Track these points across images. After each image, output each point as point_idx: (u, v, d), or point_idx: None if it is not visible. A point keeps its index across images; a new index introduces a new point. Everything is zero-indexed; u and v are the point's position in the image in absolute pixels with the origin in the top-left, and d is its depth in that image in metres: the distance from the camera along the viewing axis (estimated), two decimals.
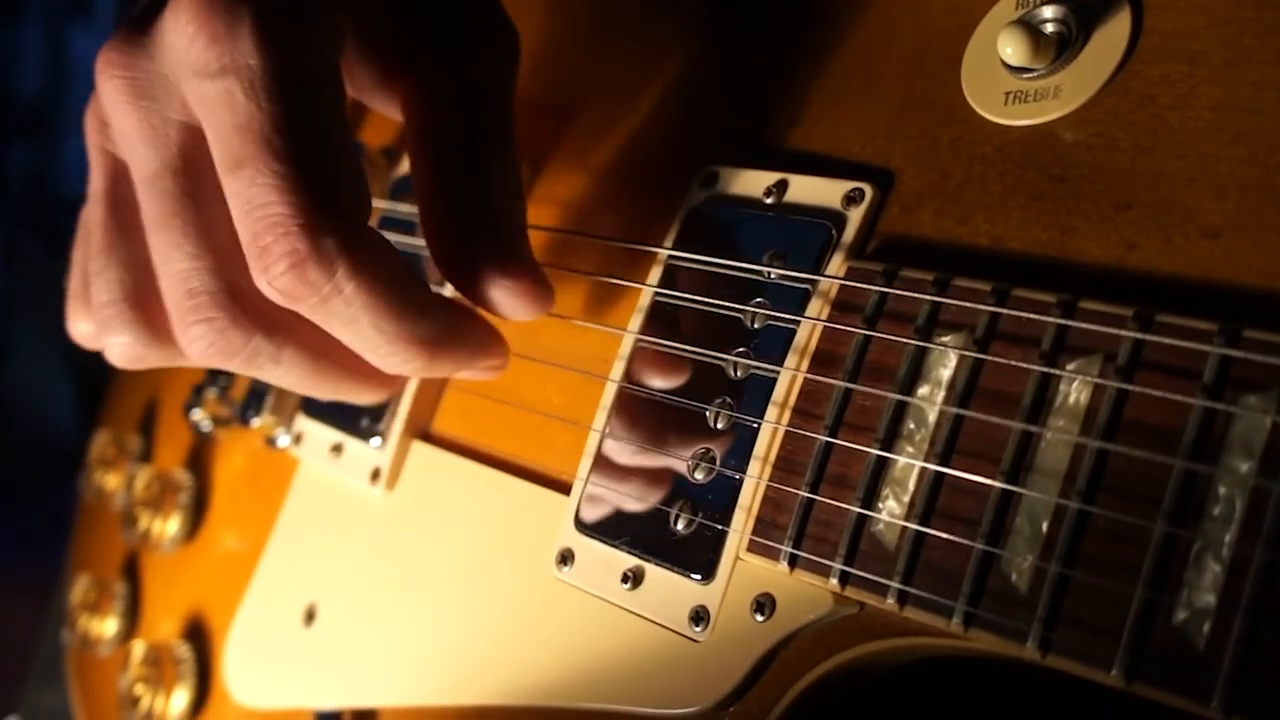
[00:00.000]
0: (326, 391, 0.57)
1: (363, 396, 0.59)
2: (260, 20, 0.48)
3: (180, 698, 0.79)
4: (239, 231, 0.49)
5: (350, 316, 0.50)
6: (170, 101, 0.51)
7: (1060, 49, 0.49)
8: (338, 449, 0.72)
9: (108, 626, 0.88)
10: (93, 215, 0.57)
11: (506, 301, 0.54)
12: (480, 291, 0.54)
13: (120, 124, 0.53)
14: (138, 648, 0.80)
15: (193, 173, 0.52)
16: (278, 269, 0.48)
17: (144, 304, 0.55)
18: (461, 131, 0.55)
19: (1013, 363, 0.43)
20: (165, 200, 0.52)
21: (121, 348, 0.56)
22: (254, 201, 0.48)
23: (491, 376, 0.58)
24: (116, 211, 0.56)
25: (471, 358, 0.55)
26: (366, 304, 0.50)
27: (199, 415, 0.83)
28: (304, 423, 0.75)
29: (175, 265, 0.52)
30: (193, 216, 0.52)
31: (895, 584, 0.44)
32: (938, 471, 0.44)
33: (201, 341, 0.52)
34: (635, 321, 0.57)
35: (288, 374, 0.55)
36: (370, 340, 0.52)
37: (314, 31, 0.50)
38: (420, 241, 0.58)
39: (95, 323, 0.56)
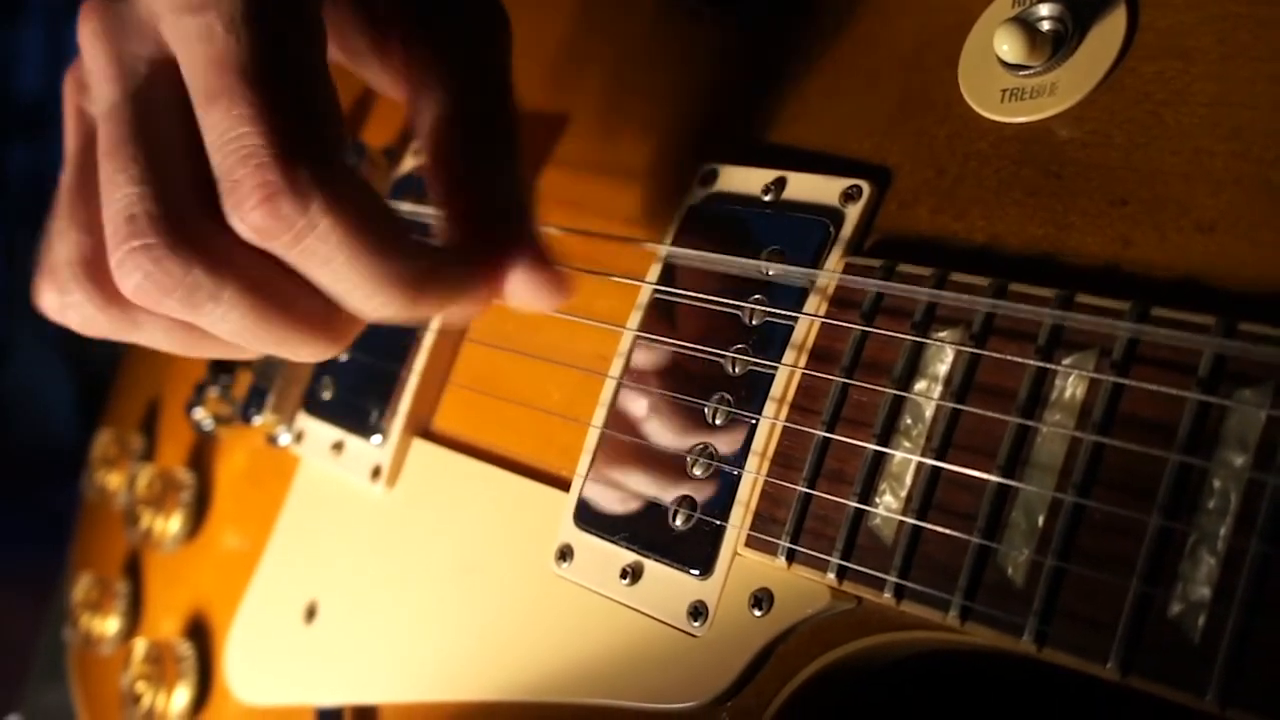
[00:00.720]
0: (268, 341, 0.52)
1: (304, 350, 0.54)
2: None
3: (181, 695, 0.79)
4: (214, 167, 0.48)
5: (326, 255, 0.48)
6: (144, 39, 0.51)
7: (1056, 46, 0.49)
8: (338, 447, 0.72)
9: (109, 625, 0.88)
10: (64, 178, 0.56)
11: (525, 289, 0.53)
12: (500, 277, 0.53)
13: (92, 64, 0.52)
14: (139, 646, 0.81)
15: (153, 107, 0.51)
16: (250, 202, 0.46)
17: (100, 265, 0.52)
18: (469, 117, 0.55)
19: (1009, 357, 0.44)
20: (118, 127, 0.50)
21: (75, 309, 0.53)
22: (228, 134, 0.47)
23: (471, 317, 0.55)
24: (82, 173, 0.54)
25: (453, 296, 0.52)
26: (342, 240, 0.48)
27: (200, 414, 0.84)
28: (305, 421, 0.76)
29: (119, 191, 0.49)
30: (144, 145, 0.50)
31: (892, 578, 0.44)
32: (934, 466, 0.44)
33: (137, 273, 0.49)
34: (634, 319, 0.58)
35: (228, 316, 0.50)
36: (347, 281, 0.49)
37: None
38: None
39: (55, 284, 0.54)
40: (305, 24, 0.50)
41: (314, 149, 0.47)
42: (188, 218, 0.49)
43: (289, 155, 0.46)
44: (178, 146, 0.50)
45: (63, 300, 0.54)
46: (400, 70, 0.58)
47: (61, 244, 0.54)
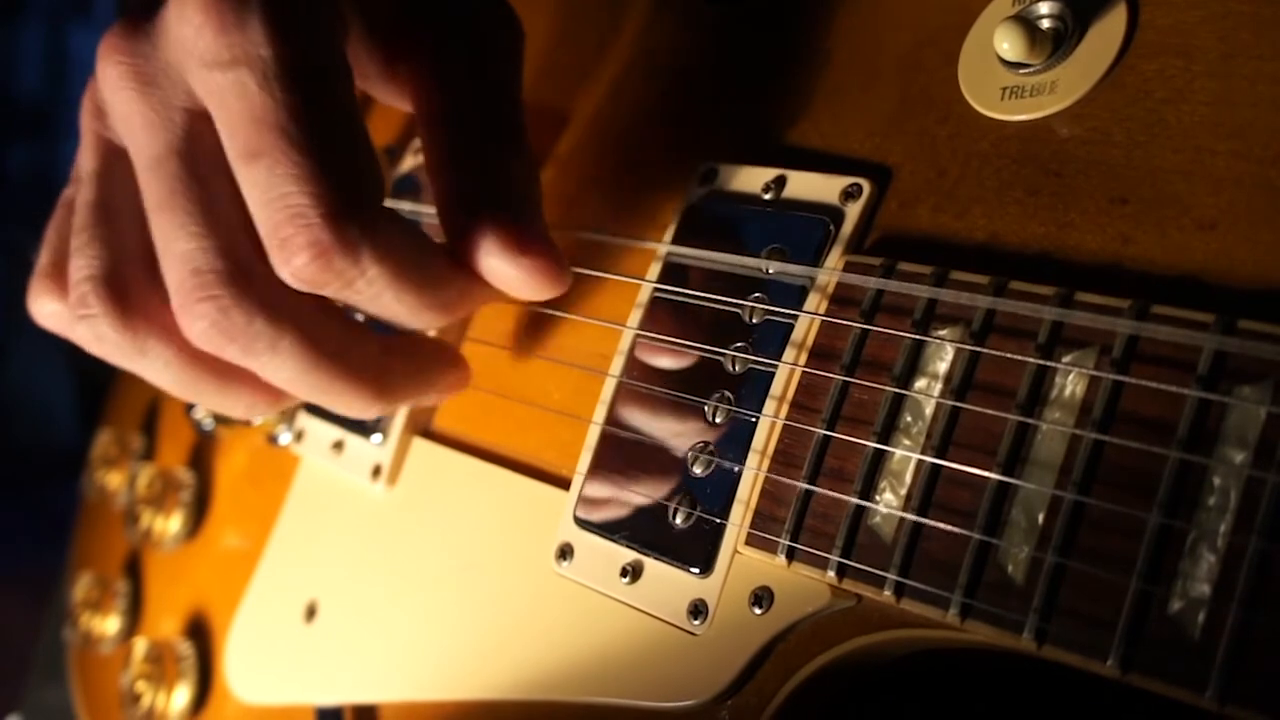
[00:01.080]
0: (321, 390, 0.55)
1: (357, 403, 0.56)
2: (269, 10, 0.48)
3: (181, 695, 0.79)
4: (258, 222, 0.49)
5: (373, 295, 0.51)
6: (174, 89, 0.51)
7: (1056, 44, 0.49)
8: (339, 446, 0.72)
9: (109, 624, 0.88)
10: (79, 195, 0.56)
11: (525, 279, 0.54)
12: (501, 271, 0.54)
13: (122, 109, 0.53)
14: (139, 645, 0.81)
15: (196, 157, 0.52)
16: (300, 260, 0.48)
17: (119, 285, 0.55)
18: (475, 115, 0.55)
19: (1009, 355, 0.44)
20: (170, 182, 0.52)
21: (89, 323, 0.55)
22: (273, 192, 0.48)
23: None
24: (106, 193, 0.55)
25: (476, 305, 0.58)
26: (390, 283, 0.51)
27: (201, 413, 0.84)
28: (305, 420, 0.76)
29: (181, 245, 0.51)
30: (197, 198, 0.51)
31: (892, 575, 0.44)
32: (934, 464, 0.44)
33: (204, 321, 0.51)
34: (634, 317, 0.58)
35: (284, 365, 0.54)
36: (392, 310, 0.53)
37: (321, 20, 0.50)
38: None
39: (69, 298, 0.56)
40: (336, 73, 0.51)
41: (360, 202, 0.49)
42: (249, 270, 0.51)
43: (337, 213, 0.48)
44: (227, 198, 0.51)
45: (77, 312, 0.55)
46: (408, 86, 0.58)
47: (82, 259, 0.55)
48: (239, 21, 0.48)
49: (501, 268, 0.53)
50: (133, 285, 0.55)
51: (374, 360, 0.56)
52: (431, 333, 0.62)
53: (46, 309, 0.58)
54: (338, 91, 0.50)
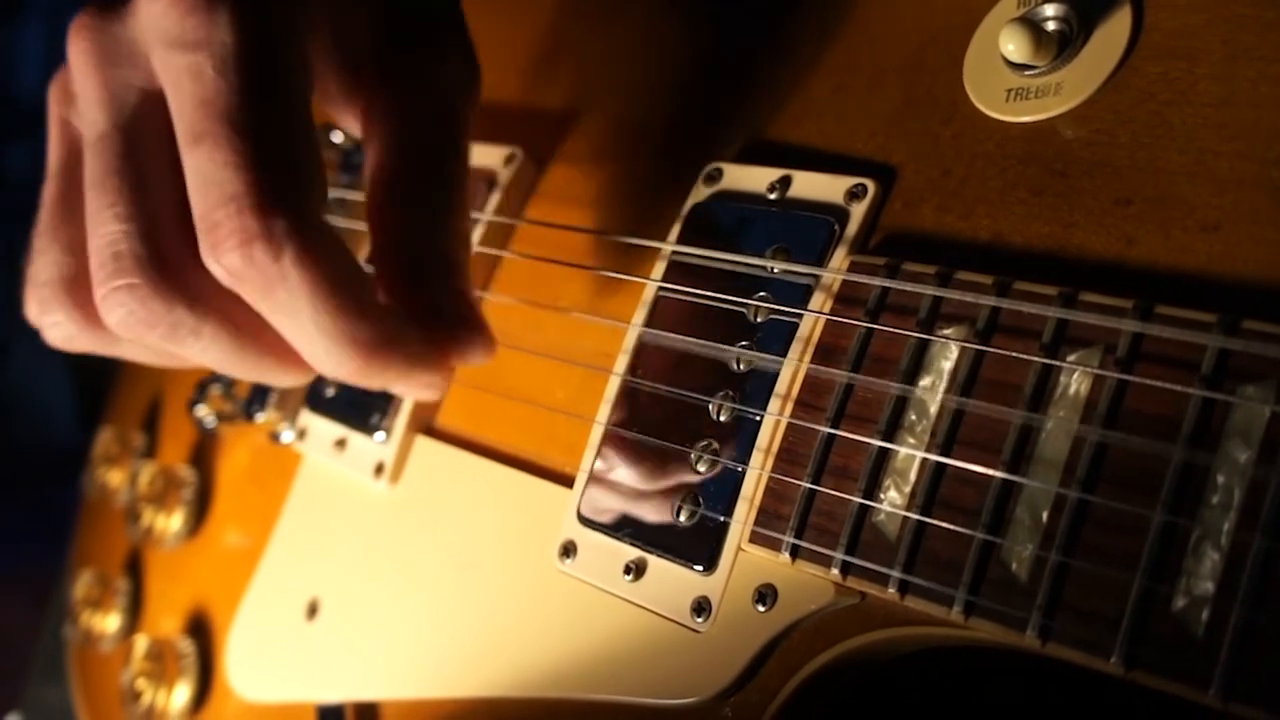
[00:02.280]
0: (247, 370, 0.55)
1: (285, 378, 0.56)
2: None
3: (182, 693, 0.79)
4: (192, 205, 0.49)
5: (292, 307, 0.49)
6: (134, 68, 0.51)
7: (1061, 46, 0.49)
8: (341, 444, 0.72)
9: (110, 622, 0.88)
10: (47, 191, 0.56)
11: (453, 343, 0.55)
12: (422, 327, 0.54)
13: (81, 86, 0.52)
14: (140, 642, 0.81)
15: (141, 139, 0.51)
16: (226, 245, 0.47)
17: (79, 285, 0.54)
18: (417, 169, 0.55)
19: (1013, 353, 0.44)
20: (107, 158, 0.51)
21: (55, 328, 0.55)
22: (210, 177, 0.47)
23: (429, 397, 0.57)
24: (66, 189, 0.55)
25: (408, 371, 0.53)
26: (309, 295, 0.49)
27: (203, 411, 0.84)
28: (308, 418, 0.76)
29: (105, 226, 0.51)
30: (130, 179, 0.51)
31: (896, 573, 0.44)
32: (939, 462, 0.45)
33: (121, 309, 0.50)
34: (639, 315, 0.58)
35: (208, 349, 0.53)
36: (308, 334, 0.50)
37: (289, 18, 0.50)
38: None
39: (35, 302, 0.55)
40: (294, 71, 0.50)
41: (293, 200, 0.48)
42: (171, 257, 0.50)
43: (268, 204, 0.47)
44: (164, 180, 0.51)
45: (43, 318, 0.55)
46: (365, 118, 0.58)
47: (42, 262, 0.55)
48: (208, 6, 0.48)
49: (432, 328, 0.54)
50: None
51: None
52: (353, 381, 0.56)
53: (31, 314, 0.58)
54: (292, 90, 0.50)
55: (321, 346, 0.51)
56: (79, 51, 0.52)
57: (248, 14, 0.48)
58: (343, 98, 0.58)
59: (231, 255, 0.47)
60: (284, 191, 0.48)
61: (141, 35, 0.50)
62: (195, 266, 0.50)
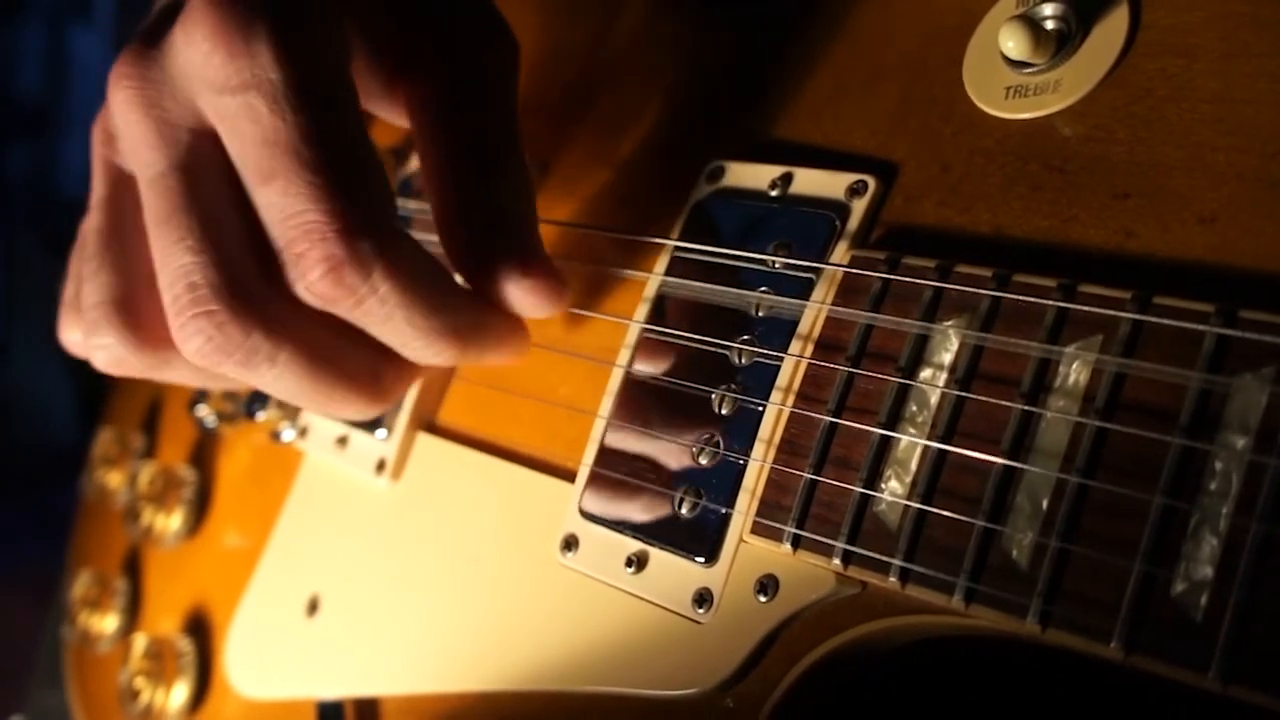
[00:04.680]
0: (320, 399, 0.56)
1: (356, 408, 0.57)
2: (277, 32, 0.49)
3: (180, 692, 0.79)
4: (274, 241, 0.50)
5: (385, 314, 0.52)
6: (181, 110, 0.52)
7: (1060, 44, 0.50)
8: (343, 441, 0.72)
9: (108, 623, 0.88)
10: (91, 223, 0.58)
11: (524, 299, 0.56)
12: (498, 290, 0.56)
13: (129, 132, 0.53)
14: (139, 641, 0.81)
15: (198, 175, 0.52)
16: (314, 274, 0.49)
17: (132, 308, 0.55)
18: (470, 135, 0.57)
19: (1014, 340, 0.44)
20: (169, 197, 0.52)
21: (105, 350, 0.56)
22: (287, 210, 0.49)
23: (515, 361, 0.59)
24: (115, 218, 0.56)
25: (499, 344, 0.57)
26: (401, 302, 0.51)
27: (204, 411, 0.84)
28: (309, 416, 0.76)
29: (177, 260, 0.52)
30: (197, 215, 0.52)
31: (897, 562, 0.45)
32: (940, 451, 0.45)
33: (199, 337, 0.51)
34: (641, 311, 0.58)
35: (282, 377, 0.54)
36: (404, 334, 0.53)
37: (327, 41, 0.51)
38: (428, 236, 0.59)
39: (83, 325, 0.56)
40: (343, 94, 0.52)
41: (371, 220, 0.50)
42: (247, 285, 0.52)
43: (350, 229, 0.49)
44: (228, 214, 0.52)
45: (91, 340, 0.56)
46: (408, 103, 0.59)
47: (92, 285, 0.56)
48: (247, 46, 0.48)
49: (506, 289, 0.55)
50: (145, 307, 0.55)
51: (368, 363, 0.56)
52: (450, 365, 0.59)
53: (69, 338, 0.60)
54: (346, 111, 0.51)
55: (420, 343, 0.54)
56: (123, 99, 0.53)
57: (288, 48, 0.49)
58: (382, 93, 0.60)
59: (322, 282, 0.50)
60: (361, 214, 0.50)
61: (185, 79, 0.51)
62: (269, 295, 0.51)
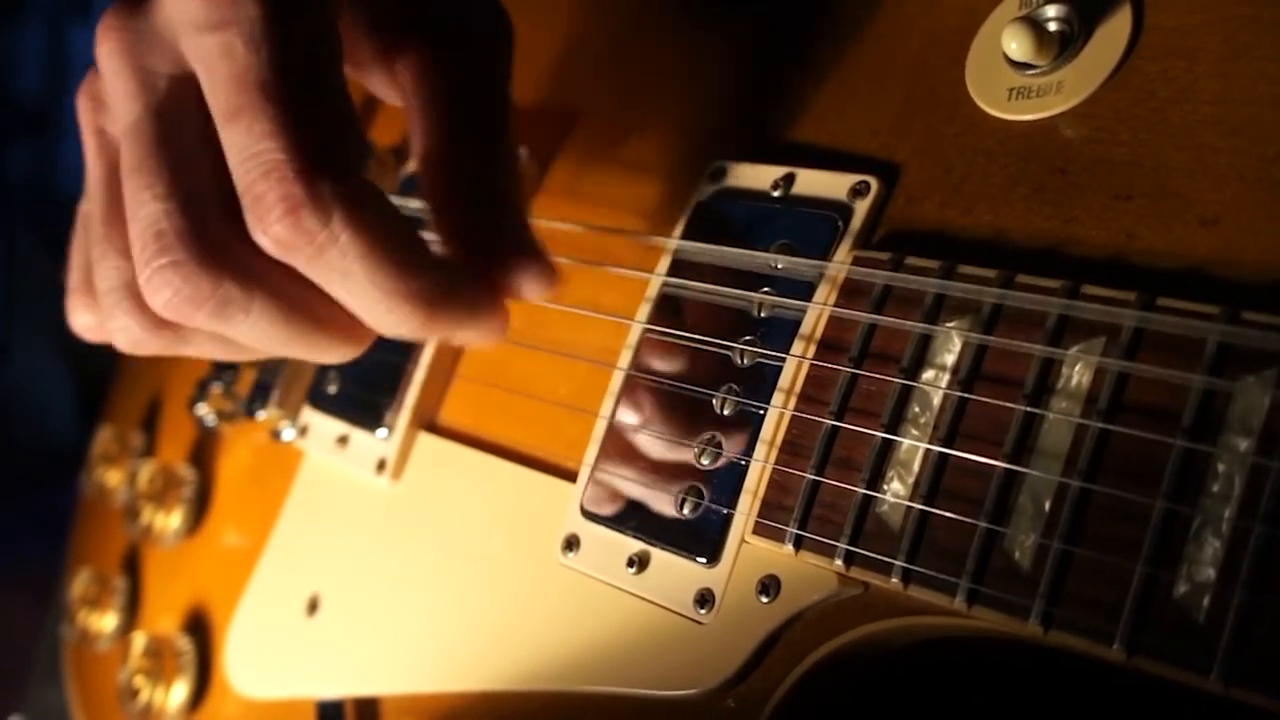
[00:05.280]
0: (299, 345, 0.54)
1: (331, 354, 0.55)
2: None
3: (180, 690, 0.79)
4: (236, 181, 0.48)
5: (345, 269, 0.49)
6: (162, 56, 0.52)
7: (1063, 46, 0.50)
8: (343, 440, 0.72)
9: (107, 621, 0.88)
10: (92, 205, 0.56)
11: (517, 275, 0.54)
12: (490, 263, 0.54)
13: (111, 83, 0.53)
14: (138, 640, 0.81)
15: (173, 122, 0.51)
16: (273, 215, 0.47)
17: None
18: (462, 113, 0.56)
19: (1016, 341, 0.44)
20: (141, 143, 0.51)
21: (124, 333, 0.55)
22: (250, 149, 0.47)
23: (488, 342, 0.56)
24: (112, 196, 0.55)
25: (469, 318, 0.53)
26: (362, 255, 0.48)
27: (204, 409, 0.84)
28: (310, 415, 0.76)
29: (144, 208, 0.50)
30: (167, 161, 0.50)
31: (899, 562, 0.45)
32: (942, 453, 0.45)
33: (167, 289, 0.49)
34: (643, 311, 0.58)
35: (256, 326, 0.51)
36: (366, 295, 0.50)
37: None
38: (433, 237, 0.59)
39: (99, 311, 0.56)
40: (323, 39, 0.50)
41: (335, 163, 0.48)
42: (215, 232, 0.50)
43: (311, 169, 0.47)
44: (202, 161, 0.51)
45: (108, 325, 0.55)
46: (400, 77, 0.58)
47: (102, 270, 0.55)
48: None
49: (500, 263, 0.54)
50: None
51: (345, 311, 0.53)
52: (415, 335, 0.56)
53: (82, 323, 0.59)
54: (322, 56, 0.50)
55: (382, 306, 0.50)
56: (107, 50, 0.52)
57: None
58: (374, 62, 0.58)
59: (279, 224, 0.47)
60: (325, 155, 0.48)
61: (168, 24, 0.51)
62: (240, 243, 0.49)
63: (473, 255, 0.54)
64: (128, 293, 0.54)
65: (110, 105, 0.54)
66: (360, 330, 0.54)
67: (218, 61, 0.48)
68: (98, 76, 0.54)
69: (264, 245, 0.49)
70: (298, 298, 0.52)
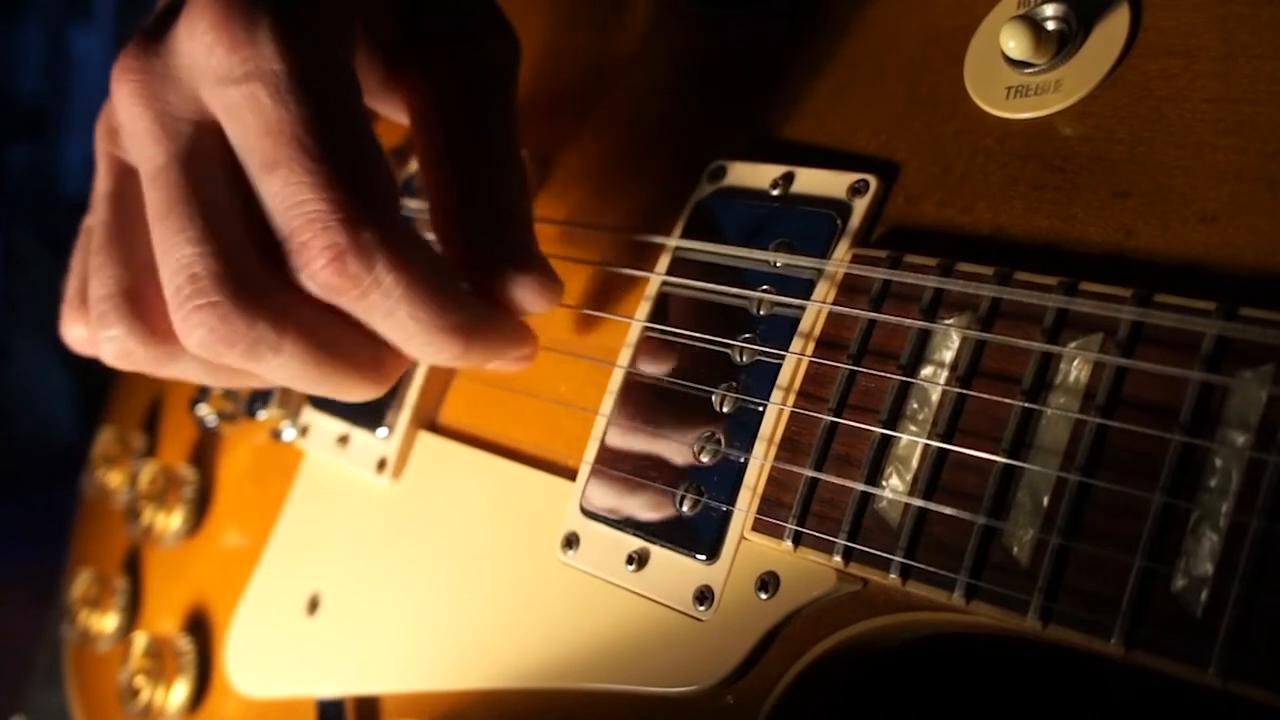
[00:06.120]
0: (325, 384, 0.56)
1: (359, 391, 0.57)
2: (278, 24, 0.49)
3: (180, 690, 0.79)
4: (278, 231, 0.50)
5: (389, 308, 0.51)
6: (183, 103, 0.52)
7: (1061, 45, 0.50)
8: (344, 440, 0.72)
9: (108, 622, 0.88)
10: (95, 217, 0.58)
11: (521, 294, 0.56)
12: (495, 284, 0.56)
13: (131, 126, 0.53)
14: (139, 640, 0.81)
15: (199, 167, 0.52)
16: (319, 263, 0.49)
17: (139, 300, 0.55)
18: (467, 132, 0.57)
19: (1014, 340, 0.45)
20: (170, 189, 0.52)
21: (114, 342, 0.56)
22: (291, 199, 0.49)
23: (521, 367, 0.58)
24: (119, 213, 0.56)
25: (504, 346, 0.56)
26: (404, 295, 0.51)
27: (205, 410, 0.84)
28: (310, 415, 0.76)
29: (178, 251, 0.51)
30: (197, 206, 0.52)
31: (898, 558, 0.45)
32: (940, 449, 0.45)
33: (202, 328, 0.51)
34: (643, 310, 0.58)
35: (287, 365, 0.53)
36: (408, 330, 0.53)
37: (330, 32, 0.51)
38: (430, 237, 0.59)
39: (90, 319, 0.56)
40: (347, 86, 0.52)
41: (374, 209, 0.50)
42: (250, 275, 0.51)
43: (353, 218, 0.49)
44: (231, 206, 0.52)
45: (99, 334, 0.56)
46: (406, 100, 0.59)
47: (98, 279, 0.56)
48: (250, 37, 0.49)
49: (504, 283, 0.55)
50: (152, 301, 0.55)
51: (371, 348, 0.55)
52: (455, 365, 0.58)
53: (73, 334, 0.59)
54: (348, 103, 0.51)
55: (422, 338, 0.53)
56: (126, 93, 0.53)
57: (291, 39, 0.49)
58: (382, 90, 0.60)
59: (325, 271, 0.50)
60: (364, 203, 0.50)
61: (187, 71, 0.52)
62: (271, 285, 0.51)
63: (480, 272, 0.56)
64: (124, 300, 0.55)
65: (129, 146, 0.55)
66: (386, 370, 0.56)
67: (246, 114, 0.50)
68: (114, 108, 0.55)
69: (310, 290, 0.51)
70: (328, 338, 0.54)
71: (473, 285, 0.56)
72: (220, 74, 0.49)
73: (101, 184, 0.58)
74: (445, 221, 0.57)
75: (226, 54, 0.49)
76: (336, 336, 0.54)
